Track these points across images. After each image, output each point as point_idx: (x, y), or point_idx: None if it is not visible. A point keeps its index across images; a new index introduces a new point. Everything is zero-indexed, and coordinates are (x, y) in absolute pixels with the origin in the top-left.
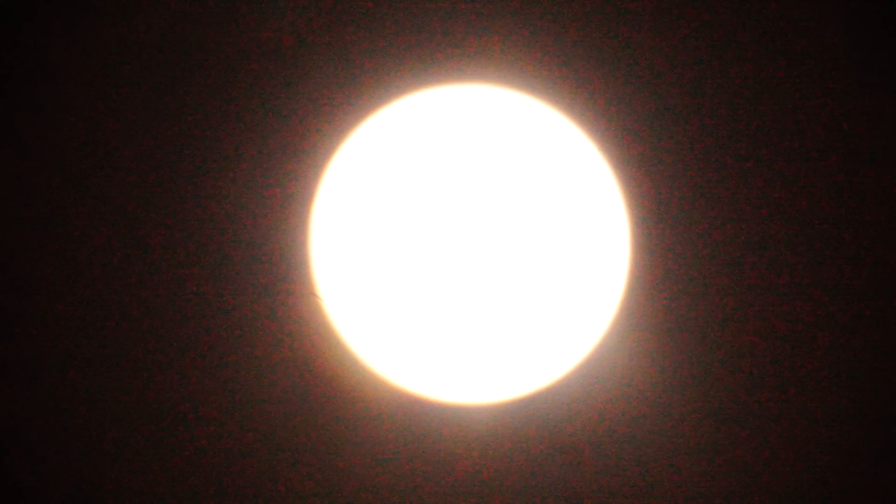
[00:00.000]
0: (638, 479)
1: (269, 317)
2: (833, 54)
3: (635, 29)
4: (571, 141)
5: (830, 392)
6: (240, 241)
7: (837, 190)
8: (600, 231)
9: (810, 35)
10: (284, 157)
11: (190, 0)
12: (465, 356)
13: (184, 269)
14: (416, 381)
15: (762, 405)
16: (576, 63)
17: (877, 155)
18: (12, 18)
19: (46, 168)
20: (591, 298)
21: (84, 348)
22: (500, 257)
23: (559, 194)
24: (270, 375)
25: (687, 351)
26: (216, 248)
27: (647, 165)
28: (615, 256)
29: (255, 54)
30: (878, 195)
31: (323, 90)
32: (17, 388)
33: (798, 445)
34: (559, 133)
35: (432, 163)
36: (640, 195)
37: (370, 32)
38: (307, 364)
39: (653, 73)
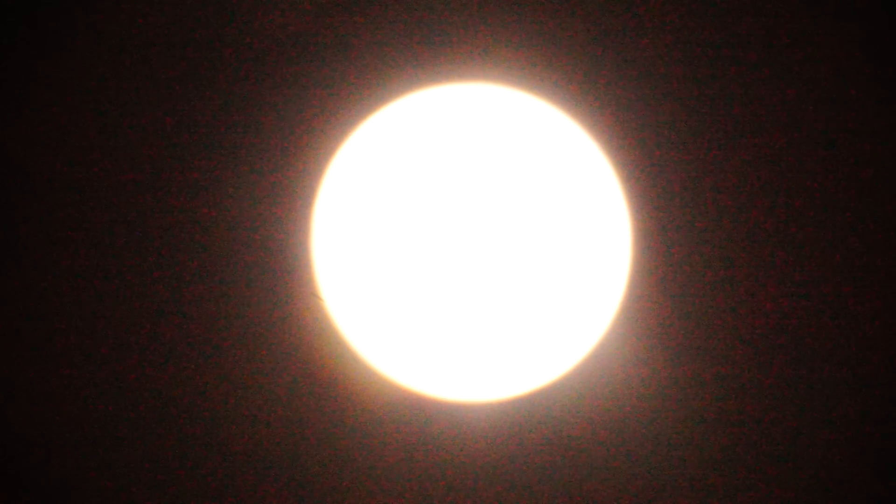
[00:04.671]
0: (637, 477)
1: (270, 316)
2: (834, 54)
3: (636, 27)
4: (572, 139)
5: (830, 390)
6: (241, 242)
7: (839, 189)
8: (601, 230)
9: (811, 35)
10: (286, 156)
11: (190, 0)
12: (466, 354)
13: (185, 269)
14: (417, 378)
15: (762, 405)
16: (577, 62)
17: (878, 154)
18: (14, 16)
19: (47, 166)
20: (592, 298)
21: (84, 348)
22: (500, 256)
23: (560, 193)
24: (272, 374)
25: (687, 350)
26: (218, 249)
27: (648, 164)
28: (616, 255)
29: (256, 54)
30: (880, 194)
31: (324, 90)
32: (19, 387)
33: (797, 444)
34: (560, 132)
35: (433, 162)
36: (642, 194)
37: (371, 32)
38: (309, 362)
39: (654, 71)
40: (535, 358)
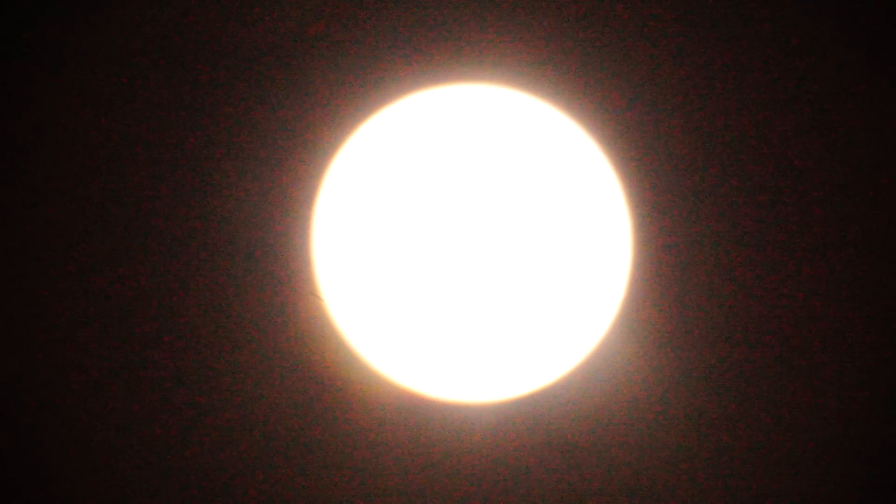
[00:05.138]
0: (637, 478)
1: (271, 317)
2: (834, 53)
3: (636, 27)
4: (572, 140)
5: (831, 390)
6: (242, 242)
7: (840, 189)
8: (601, 230)
9: (811, 34)
10: (286, 157)
11: (191, 0)
12: (467, 355)
13: (185, 269)
14: (417, 379)
15: (762, 406)
16: (577, 62)
17: (878, 155)
18: (14, 16)
19: (48, 165)
20: (592, 298)
21: (84, 348)
22: (500, 257)
23: (560, 193)
24: (272, 375)
25: (687, 351)
26: (218, 249)
27: (648, 165)
28: (616, 256)
29: (256, 54)
30: (879, 195)
31: (324, 90)
32: (19, 387)
33: (797, 446)
34: (560, 132)
35: (433, 162)
36: (642, 194)
37: (371, 32)
38: (309, 363)
39: (654, 71)
40: (535, 358)
